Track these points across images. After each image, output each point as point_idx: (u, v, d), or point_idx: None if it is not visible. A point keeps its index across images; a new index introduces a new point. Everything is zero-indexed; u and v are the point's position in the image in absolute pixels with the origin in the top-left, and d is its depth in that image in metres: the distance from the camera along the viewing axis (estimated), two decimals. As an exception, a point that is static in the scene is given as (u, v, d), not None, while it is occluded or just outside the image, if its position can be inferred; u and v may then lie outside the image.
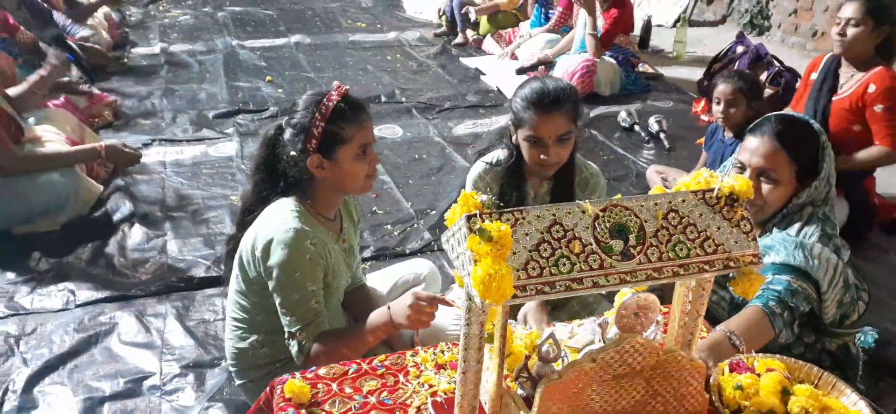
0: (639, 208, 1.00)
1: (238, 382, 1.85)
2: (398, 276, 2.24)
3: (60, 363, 2.17)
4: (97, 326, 2.33)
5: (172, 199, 3.16)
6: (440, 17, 5.93)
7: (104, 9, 5.21)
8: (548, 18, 5.30)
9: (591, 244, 0.96)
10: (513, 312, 1.93)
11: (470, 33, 5.64)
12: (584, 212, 0.97)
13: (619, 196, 1.05)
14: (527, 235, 0.94)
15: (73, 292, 2.48)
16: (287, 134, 1.65)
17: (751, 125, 1.82)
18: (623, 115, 4.25)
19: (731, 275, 1.06)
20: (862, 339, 1.73)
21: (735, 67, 4.37)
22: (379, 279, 2.22)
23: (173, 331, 2.34)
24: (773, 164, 1.68)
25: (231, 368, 1.86)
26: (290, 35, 5.79)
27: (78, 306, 2.42)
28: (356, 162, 1.64)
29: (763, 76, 4.24)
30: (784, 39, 5.88)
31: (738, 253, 1.03)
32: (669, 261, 1.00)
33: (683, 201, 1.03)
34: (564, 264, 0.94)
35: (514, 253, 0.92)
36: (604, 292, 1.01)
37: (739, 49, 4.46)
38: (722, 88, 2.97)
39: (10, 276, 2.55)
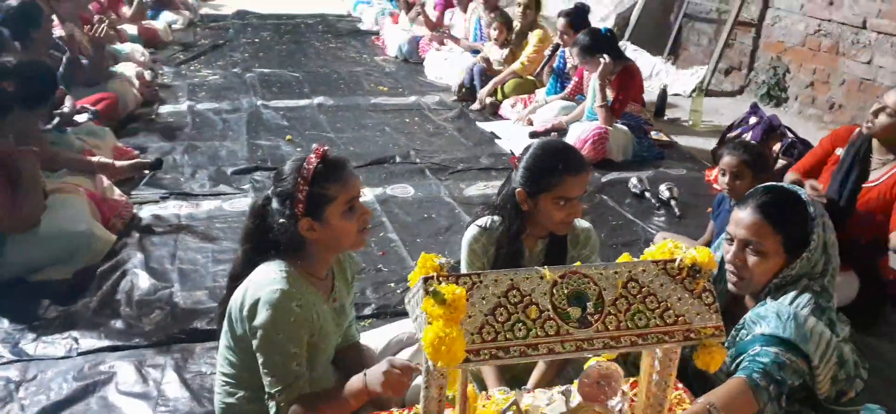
0: (598, 276, 1.01)
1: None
2: (393, 334, 2.24)
3: (56, 411, 2.20)
4: (96, 375, 2.36)
5: (183, 252, 3.23)
6: (459, 90, 6.06)
7: (137, 67, 5.44)
8: (563, 87, 5.39)
9: (548, 310, 0.97)
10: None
11: (487, 98, 5.74)
12: (542, 278, 0.98)
13: (625, 255, 1.06)
14: (483, 298, 0.95)
15: (76, 340, 2.53)
16: (274, 203, 1.69)
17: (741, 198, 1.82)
18: (634, 181, 4.26)
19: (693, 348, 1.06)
20: None
21: (748, 138, 4.37)
22: (374, 337, 2.23)
23: (170, 382, 2.36)
24: (757, 235, 1.68)
25: (221, 423, 1.86)
26: (314, 97, 5.95)
27: (79, 354, 2.46)
28: (345, 219, 1.68)
29: (776, 147, 4.24)
30: (801, 111, 5.88)
31: (699, 325, 1.03)
32: (628, 330, 1.00)
33: (644, 271, 1.04)
34: (520, 330, 0.95)
35: (470, 316, 0.94)
36: (560, 359, 1.01)
37: (752, 119, 4.47)
38: (727, 160, 2.97)
39: (19, 322, 2.61)
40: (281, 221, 1.67)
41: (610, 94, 4.62)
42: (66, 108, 3.79)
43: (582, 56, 4.63)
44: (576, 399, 1.08)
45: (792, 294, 1.70)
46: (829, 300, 1.73)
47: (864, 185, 2.85)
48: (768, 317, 1.64)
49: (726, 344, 1.67)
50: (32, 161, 2.82)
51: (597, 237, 2.07)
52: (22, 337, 2.53)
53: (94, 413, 2.20)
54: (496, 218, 2.05)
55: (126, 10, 7.20)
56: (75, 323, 2.63)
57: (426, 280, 0.95)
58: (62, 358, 2.44)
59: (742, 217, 1.71)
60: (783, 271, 1.72)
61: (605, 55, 4.49)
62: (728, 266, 1.76)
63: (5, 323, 2.60)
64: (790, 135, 4.22)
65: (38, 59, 3.25)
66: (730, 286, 1.78)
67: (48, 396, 2.25)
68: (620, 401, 1.09)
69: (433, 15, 7.61)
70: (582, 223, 2.06)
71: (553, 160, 1.89)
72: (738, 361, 1.63)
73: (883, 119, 2.76)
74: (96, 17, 5.46)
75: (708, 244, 3.03)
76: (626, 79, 4.62)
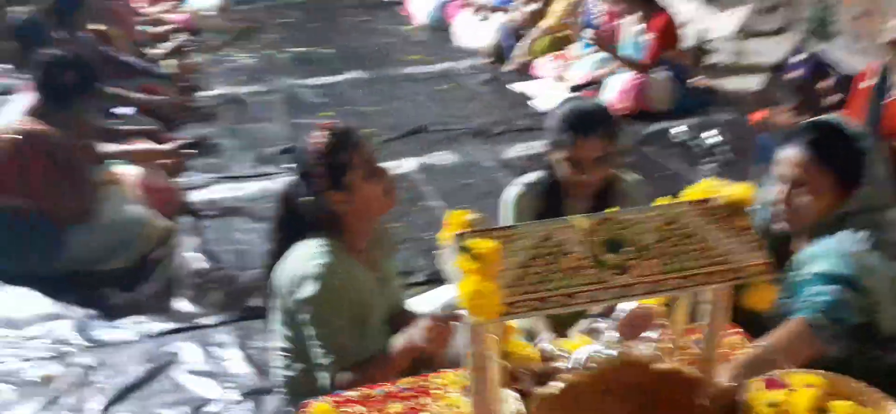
0: (635, 221, 1.02)
1: (292, 409, 1.93)
2: (444, 298, 2.28)
3: (130, 392, 2.33)
4: (164, 357, 2.49)
5: (235, 233, 3.34)
6: (491, 52, 6.00)
7: (174, 62, 5.55)
8: (596, 38, 5.27)
9: (586, 258, 0.99)
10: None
11: (519, 58, 5.67)
12: (576, 226, 0.99)
13: (661, 199, 1.04)
14: (517, 251, 0.97)
15: (143, 325, 2.66)
16: (298, 186, 1.74)
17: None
18: (677, 130, 4.16)
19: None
20: None
21: (796, 75, 4.21)
22: (425, 302, 2.27)
23: (233, 359, 2.47)
24: (805, 173, 1.63)
25: (284, 395, 1.94)
26: (347, 72, 5.99)
27: (147, 338, 2.59)
28: (368, 182, 1.72)
29: (828, 83, 4.07)
30: (851, 45, 5.61)
31: (745, 263, 1.03)
32: (670, 273, 1.00)
33: (683, 212, 1.04)
34: (558, 279, 0.97)
35: (505, 269, 0.96)
36: (601, 307, 1.02)
37: (799, 58, 4.29)
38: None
39: (88, 310, 2.76)
40: (309, 200, 1.71)
41: (644, 39, 4.50)
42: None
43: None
44: (612, 336, 1.09)
45: (847, 232, 1.65)
46: (889, 233, 1.67)
47: (884, 102, 2.74)
48: (826, 254, 1.58)
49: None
50: (81, 155, 2.93)
51: (647, 190, 2.03)
52: (92, 324, 2.68)
53: (166, 393, 2.33)
54: (542, 174, 2.05)
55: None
56: (140, 308, 2.77)
57: (458, 236, 0.97)
58: (131, 342, 2.58)
59: (790, 156, 1.66)
60: (837, 208, 1.67)
61: None
62: (778, 206, 1.71)
63: (77, 312, 2.75)
64: (838, 72, 4.04)
65: (79, 44, 3.34)
66: (781, 226, 1.72)
67: (121, 379, 2.38)
68: (653, 334, 1.10)
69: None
70: (631, 178, 2.04)
71: (563, 121, 1.88)
72: (795, 302, 1.59)
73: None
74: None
75: None
76: (662, 23, 4.48)
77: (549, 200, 2.00)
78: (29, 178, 2.84)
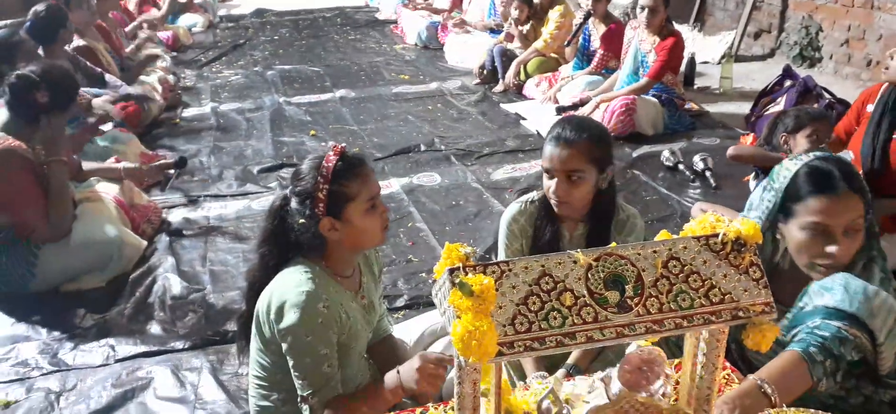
0: (635, 257, 0.95)
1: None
2: (426, 325, 2.21)
3: (97, 419, 2.22)
4: (134, 382, 2.38)
5: (214, 253, 3.24)
6: (480, 73, 5.99)
7: (159, 73, 5.48)
8: (589, 64, 5.27)
9: (584, 296, 0.92)
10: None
11: (513, 80, 5.65)
12: (575, 262, 0.93)
13: (664, 233, 1.00)
14: (513, 287, 0.90)
15: (113, 348, 2.55)
16: (293, 202, 1.65)
17: (821, 182, 1.63)
18: (666, 154, 4.14)
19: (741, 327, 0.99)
20: None
21: (782, 102, 4.22)
22: (407, 329, 2.20)
23: (207, 385, 2.36)
24: (856, 215, 1.57)
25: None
26: (336, 90, 5.93)
27: (117, 362, 2.48)
28: (367, 217, 1.64)
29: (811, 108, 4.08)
30: (837, 70, 5.66)
31: (747, 302, 0.96)
32: (671, 312, 0.94)
33: (685, 248, 0.97)
34: (555, 318, 0.90)
35: (501, 307, 0.89)
36: (600, 346, 0.96)
37: (787, 83, 4.30)
38: (819, 127, 2.85)
39: (56, 332, 2.64)
40: (301, 221, 1.62)
41: (651, 58, 4.49)
42: (92, 119, 3.82)
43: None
44: (616, 387, 1.02)
45: (860, 264, 1.60)
46: (886, 264, 1.63)
47: (895, 137, 2.70)
48: (834, 288, 1.53)
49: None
50: (62, 171, 2.84)
51: (643, 224, 1.98)
52: (60, 347, 2.56)
53: (134, 419, 2.22)
54: (536, 195, 1.99)
55: (156, 12, 7.24)
56: (111, 330, 2.65)
57: (452, 271, 0.90)
58: (100, 366, 2.46)
59: (840, 204, 1.55)
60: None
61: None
62: (828, 258, 1.59)
63: (43, 333, 2.63)
64: (827, 95, 4.05)
65: (58, 63, 3.26)
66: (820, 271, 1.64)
67: (88, 404, 2.27)
68: (663, 384, 1.04)
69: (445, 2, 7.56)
70: (628, 208, 1.99)
71: (548, 131, 1.87)
72: (794, 332, 1.54)
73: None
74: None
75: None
76: (671, 44, 4.46)
77: (543, 221, 1.95)
78: (3, 194, 2.73)
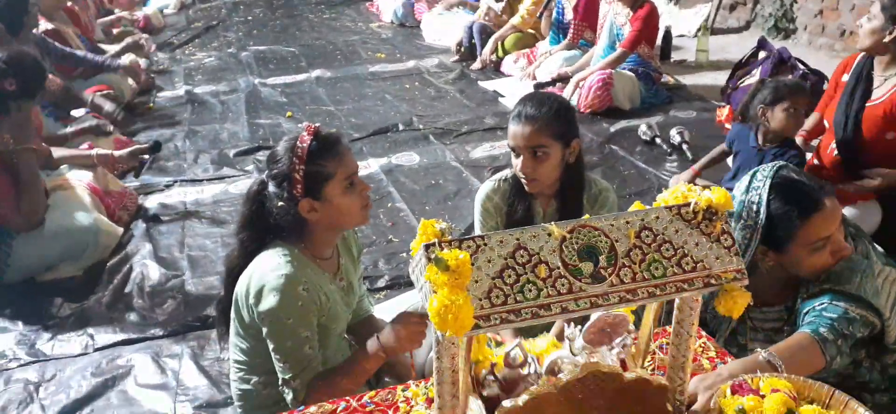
0: (609, 228, 0.96)
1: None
2: (408, 304, 2.21)
3: (77, 409, 2.20)
4: (114, 370, 2.36)
5: (191, 238, 3.21)
6: (458, 50, 5.96)
7: (131, 57, 5.37)
8: (564, 38, 5.27)
9: (559, 268, 0.93)
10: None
11: (490, 57, 5.63)
12: (549, 235, 0.93)
13: (637, 204, 1.00)
14: (489, 261, 0.90)
15: (92, 337, 2.52)
16: (271, 186, 1.64)
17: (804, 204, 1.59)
18: (643, 128, 4.17)
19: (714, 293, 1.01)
20: None
21: (757, 73, 4.25)
22: (388, 309, 2.20)
23: (188, 371, 2.35)
24: (840, 210, 1.58)
25: (238, 409, 1.85)
26: (311, 70, 5.87)
27: (96, 350, 2.46)
28: (346, 195, 1.63)
29: (789, 79, 4.12)
30: (811, 41, 5.72)
31: (719, 269, 0.98)
32: (644, 281, 0.95)
33: (657, 218, 0.99)
34: (530, 290, 0.91)
35: (476, 281, 0.89)
36: (574, 318, 0.97)
37: (761, 55, 4.34)
38: (799, 99, 2.77)
39: (33, 323, 2.61)
40: (279, 203, 1.61)
41: (626, 30, 4.49)
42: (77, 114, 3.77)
43: None
44: (580, 343, 1.04)
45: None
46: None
47: (868, 104, 2.73)
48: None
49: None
50: (32, 158, 2.78)
51: (615, 197, 2.00)
52: (38, 337, 2.53)
53: (116, 408, 2.20)
54: (509, 172, 2.00)
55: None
56: (89, 319, 2.62)
57: (427, 247, 0.91)
58: (79, 355, 2.44)
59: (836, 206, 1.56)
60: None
61: None
62: (836, 258, 1.59)
63: (20, 325, 2.60)
64: (801, 66, 4.09)
65: (24, 49, 3.18)
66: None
67: (68, 394, 2.25)
68: (621, 340, 1.05)
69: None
70: (600, 182, 2.00)
71: (514, 107, 1.86)
72: (804, 314, 1.56)
73: (867, 26, 2.64)
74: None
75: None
76: (645, 13, 4.46)
77: (516, 198, 1.96)
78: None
